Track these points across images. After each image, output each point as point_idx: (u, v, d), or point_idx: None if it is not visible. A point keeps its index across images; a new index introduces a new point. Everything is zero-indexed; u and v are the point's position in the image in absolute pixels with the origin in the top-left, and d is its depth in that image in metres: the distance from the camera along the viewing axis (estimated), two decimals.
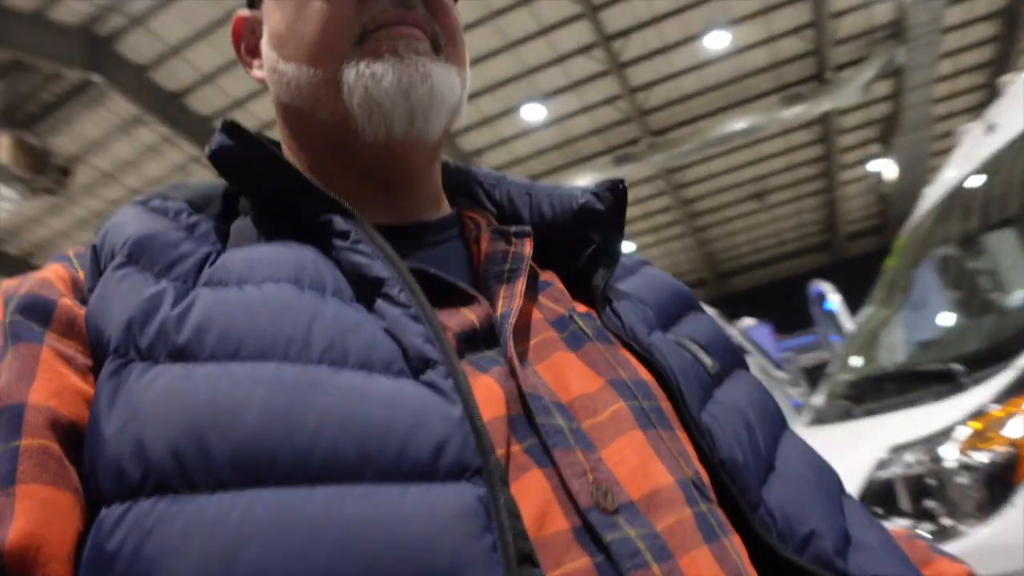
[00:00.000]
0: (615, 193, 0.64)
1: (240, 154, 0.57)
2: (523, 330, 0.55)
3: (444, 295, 0.53)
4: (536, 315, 0.58)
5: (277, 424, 0.41)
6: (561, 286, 0.63)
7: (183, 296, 0.49)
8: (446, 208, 0.68)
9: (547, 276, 0.63)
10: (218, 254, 0.54)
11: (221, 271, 0.51)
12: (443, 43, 0.61)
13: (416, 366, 0.46)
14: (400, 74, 0.56)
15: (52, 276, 0.52)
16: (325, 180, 0.59)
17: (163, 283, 0.49)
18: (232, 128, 0.55)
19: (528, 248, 0.60)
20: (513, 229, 0.62)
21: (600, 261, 0.64)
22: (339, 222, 0.53)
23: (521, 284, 0.56)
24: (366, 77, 0.56)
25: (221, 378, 0.43)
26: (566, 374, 0.53)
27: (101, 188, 11.17)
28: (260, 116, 9.22)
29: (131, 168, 10.79)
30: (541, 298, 0.60)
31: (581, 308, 0.61)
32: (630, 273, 0.72)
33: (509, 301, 0.55)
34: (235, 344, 0.45)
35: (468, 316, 0.52)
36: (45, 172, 9.53)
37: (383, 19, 0.57)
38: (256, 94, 8.90)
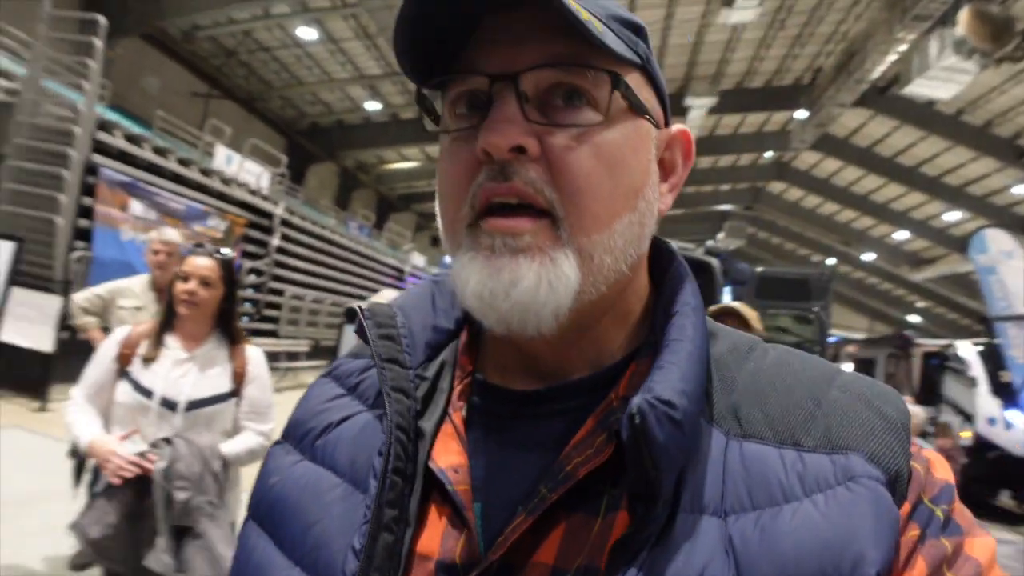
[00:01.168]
0: (631, 426, 0.47)
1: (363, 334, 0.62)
2: None
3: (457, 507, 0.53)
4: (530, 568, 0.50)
5: None
6: (617, 522, 0.49)
7: (288, 468, 0.62)
8: (609, 359, 0.57)
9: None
10: (343, 420, 0.63)
11: (321, 447, 0.62)
12: (564, 212, 0.51)
13: None
14: (483, 286, 0.51)
15: None
16: (488, 336, 0.61)
17: (289, 456, 0.64)
18: (351, 313, 0.59)
19: (595, 458, 0.50)
20: (618, 418, 0.51)
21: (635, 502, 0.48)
22: (387, 415, 0.56)
23: (526, 523, 0.49)
24: (459, 279, 0.53)
25: (253, 545, 0.61)
26: None
27: None
28: None
29: None
30: (566, 541, 0.50)
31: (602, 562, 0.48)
32: (808, 490, 0.48)
33: (499, 548, 0.49)
34: (271, 525, 0.60)
35: (456, 546, 0.51)
36: (1006, 40, 10.68)
37: (481, 200, 0.52)
38: None
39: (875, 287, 35.84)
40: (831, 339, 20.46)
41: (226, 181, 11.55)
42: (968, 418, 10.92)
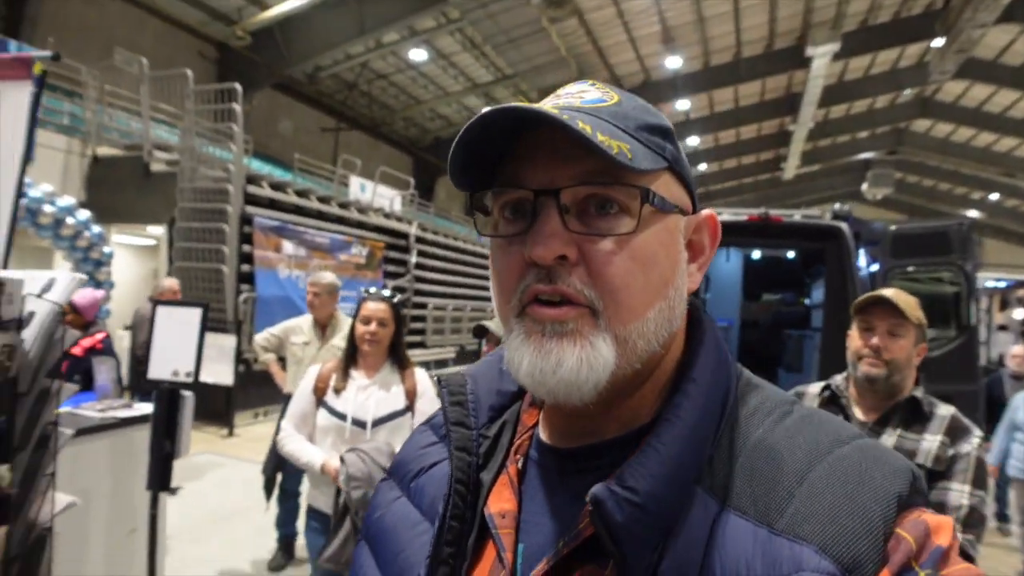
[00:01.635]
0: (592, 510, 0.55)
1: None
2: None
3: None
4: None
5: None
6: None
7: (389, 504, 0.75)
8: (639, 421, 0.63)
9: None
10: (433, 465, 0.74)
11: (414, 487, 0.74)
12: (602, 306, 0.57)
13: None
14: (533, 366, 0.58)
15: None
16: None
17: (392, 492, 0.77)
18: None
19: (587, 529, 0.57)
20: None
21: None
22: (451, 470, 0.67)
23: (544, 568, 0.58)
24: (513, 359, 0.60)
25: (363, 563, 0.74)
26: None
27: None
28: None
29: None
30: None
31: None
32: (765, 573, 0.51)
33: None
34: (375, 548, 0.74)
35: None
36: None
37: (528, 295, 0.59)
38: None
39: None
40: (1004, 284, 18.80)
41: (362, 210, 12.37)
42: None
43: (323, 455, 2.70)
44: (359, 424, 2.74)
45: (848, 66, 21.45)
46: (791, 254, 7.91)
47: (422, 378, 2.94)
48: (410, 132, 23.83)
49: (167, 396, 2.99)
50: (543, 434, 0.68)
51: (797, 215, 6.87)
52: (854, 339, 2.01)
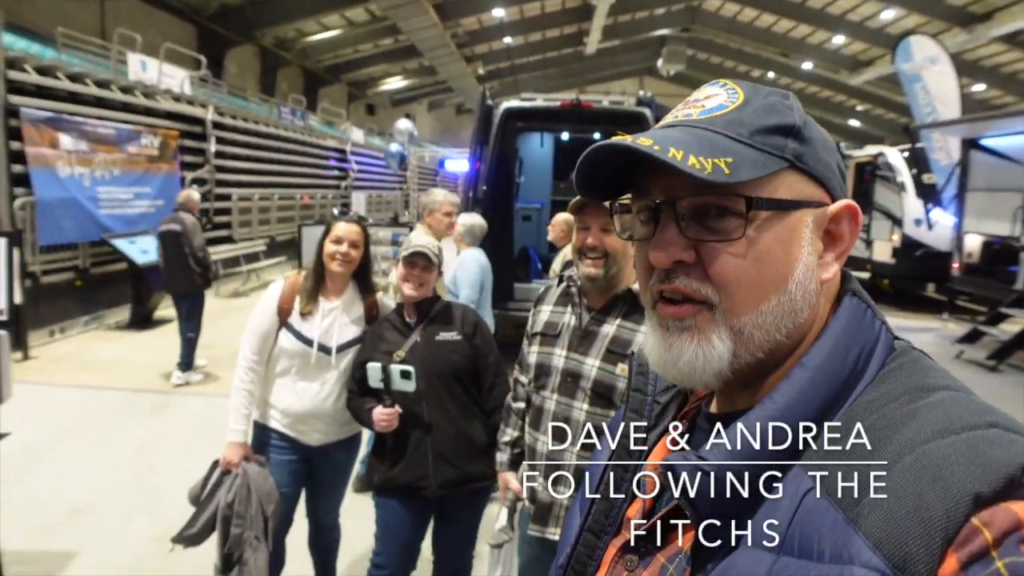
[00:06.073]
0: (666, 473, 0.63)
1: None
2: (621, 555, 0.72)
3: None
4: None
5: None
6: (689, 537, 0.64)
7: (600, 449, 0.85)
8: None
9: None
10: None
11: None
12: (717, 300, 0.64)
13: None
14: (658, 356, 0.68)
15: None
16: None
17: (602, 440, 0.84)
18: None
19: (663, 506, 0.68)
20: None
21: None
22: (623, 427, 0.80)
23: (667, 510, 0.67)
24: (646, 346, 0.71)
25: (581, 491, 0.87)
26: None
27: None
28: None
29: None
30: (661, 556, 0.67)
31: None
32: (830, 558, 0.53)
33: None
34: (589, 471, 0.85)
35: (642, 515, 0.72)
36: None
37: (655, 293, 0.68)
38: None
39: (816, 95, 35.87)
40: None
41: (149, 94, 11.13)
42: (897, 222, 11.64)
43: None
44: (324, 350, 2.73)
45: None
46: (598, 136, 8.31)
47: (384, 303, 2.93)
48: None
49: None
50: (712, 403, 0.76)
51: (606, 101, 7.22)
52: (574, 237, 2.06)
